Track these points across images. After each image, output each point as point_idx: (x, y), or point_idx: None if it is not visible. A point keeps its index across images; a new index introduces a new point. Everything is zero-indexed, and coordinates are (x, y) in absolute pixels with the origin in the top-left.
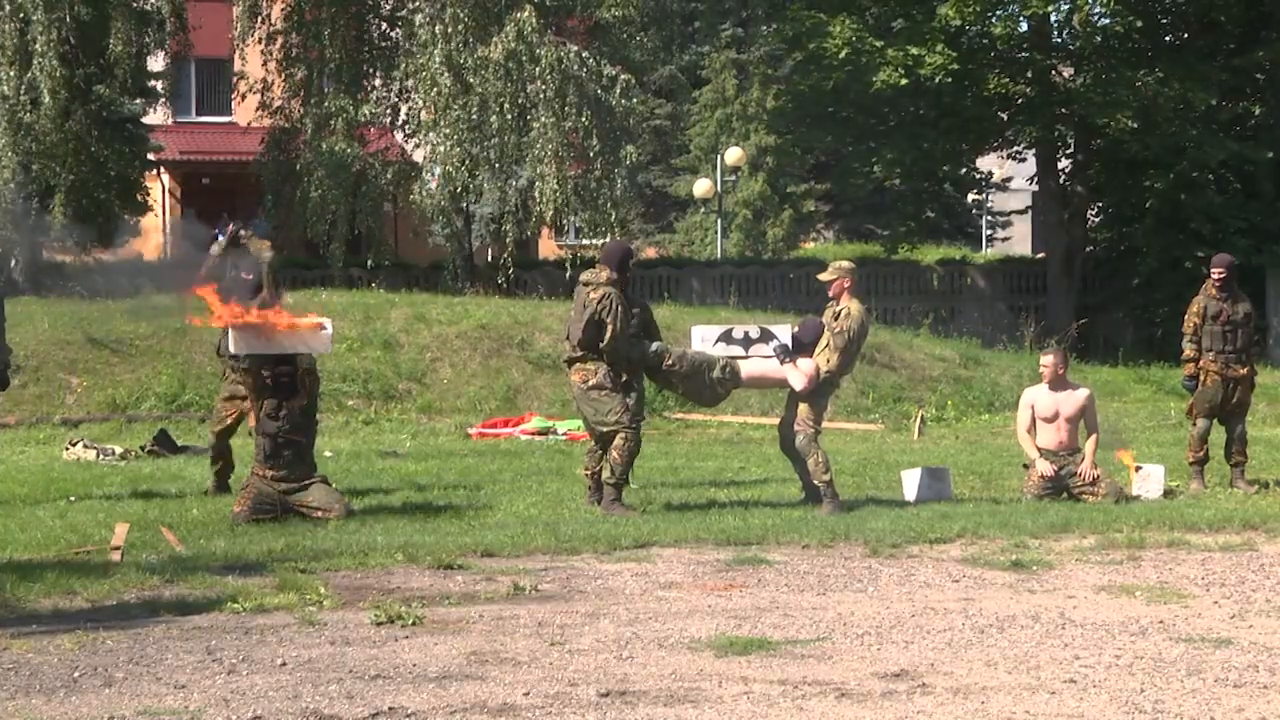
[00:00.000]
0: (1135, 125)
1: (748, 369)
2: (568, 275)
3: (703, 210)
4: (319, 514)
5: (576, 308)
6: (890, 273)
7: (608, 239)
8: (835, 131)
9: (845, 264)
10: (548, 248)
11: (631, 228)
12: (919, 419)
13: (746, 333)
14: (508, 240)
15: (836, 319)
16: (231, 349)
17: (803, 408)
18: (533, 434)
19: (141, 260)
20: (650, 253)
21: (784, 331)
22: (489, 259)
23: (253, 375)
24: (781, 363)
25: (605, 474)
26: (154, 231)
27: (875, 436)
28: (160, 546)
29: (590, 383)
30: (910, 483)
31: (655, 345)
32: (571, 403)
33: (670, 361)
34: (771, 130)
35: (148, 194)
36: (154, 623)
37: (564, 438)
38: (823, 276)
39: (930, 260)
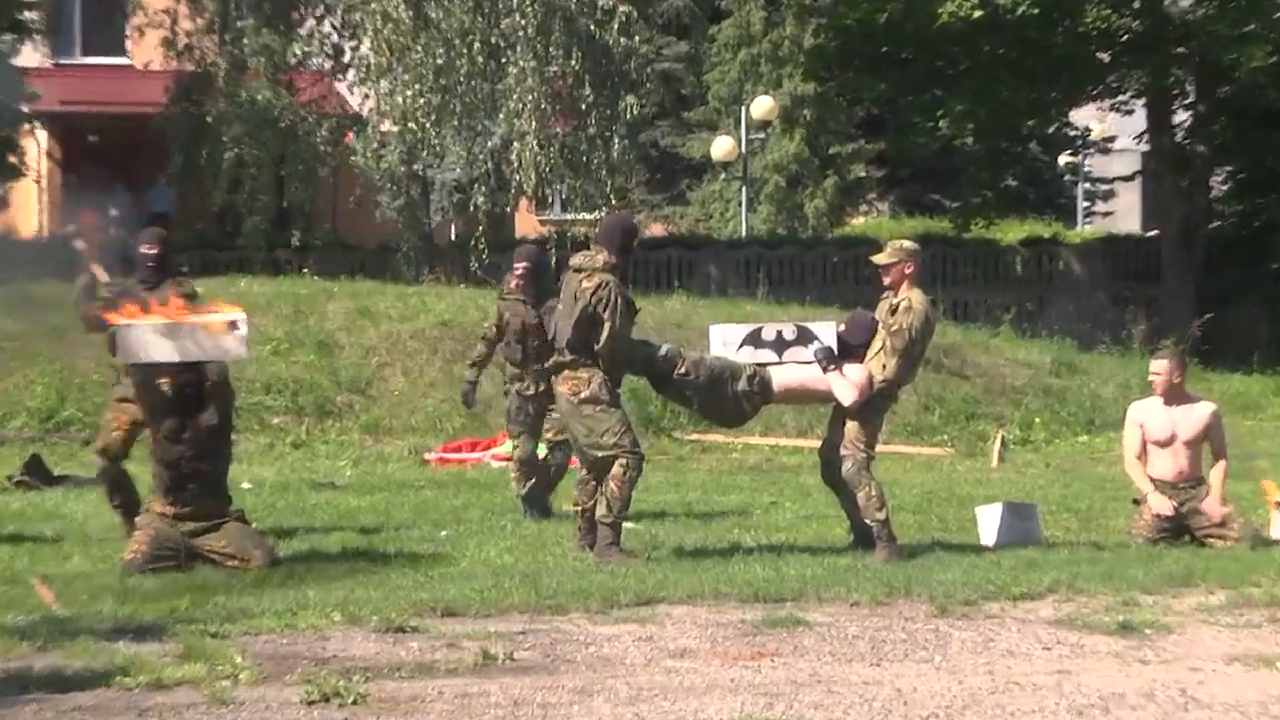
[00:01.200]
0: (1272, 65)
1: (781, 378)
2: (553, 259)
3: (723, 177)
4: (234, 562)
5: (565, 300)
6: (961, 256)
7: (604, 213)
8: (890, 77)
9: (906, 244)
10: (527, 224)
11: (633, 199)
12: (999, 441)
13: (779, 333)
14: (478, 214)
15: (894, 314)
16: (116, 355)
17: (851, 427)
18: (507, 460)
19: (12, 240)
20: (656, 230)
21: (827, 331)
22: (452, 238)
23: (147, 388)
24: (824, 370)
25: (600, 511)
26: (28, 202)
27: (943, 463)
28: (31, 604)
29: (582, 395)
30: (988, 522)
31: (665, 348)
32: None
33: (684, 369)
34: (810, 76)
35: (21, 154)
36: (21, 702)
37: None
38: (877, 259)
39: (1012, 240)
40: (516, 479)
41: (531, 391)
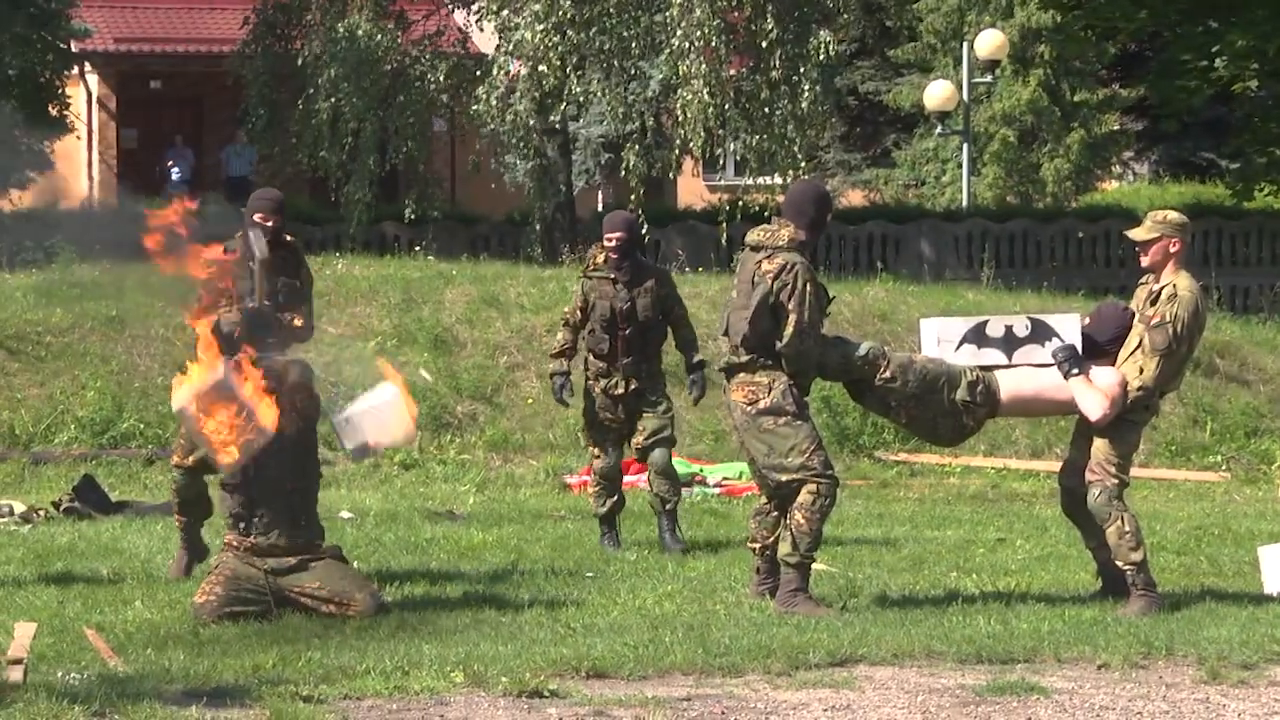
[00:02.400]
0: None
1: (1011, 386)
2: (724, 235)
3: (939, 131)
4: (330, 608)
5: (740, 286)
6: (1242, 230)
7: (790, 178)
8: (1152, 3)
9: (1171, 216)
10: (692, 190)
11: (826, 159)
12: None
13: (1009, 328)
14: (631, 179)
15: (1155, 304)
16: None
17: (1100, 446)
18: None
19: (62, 209)
20: (855, 198)
21: (1069, 325)
22: (599, 208)
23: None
24: (1066, 375)
25: (784, 549)
26: (75, 163)
27: (1217, 491)
28: (85, 659)
29: (761, 404)
30: (1273, 564)
31: (865, 347)
32: (730, 435)
33: (889, 373)
34: (1050, 2)
35: (67, 104)
36: None
37: (717, 491)
38: (1133, 235)
39: None
40: (595, 496)
41: (621, 391)
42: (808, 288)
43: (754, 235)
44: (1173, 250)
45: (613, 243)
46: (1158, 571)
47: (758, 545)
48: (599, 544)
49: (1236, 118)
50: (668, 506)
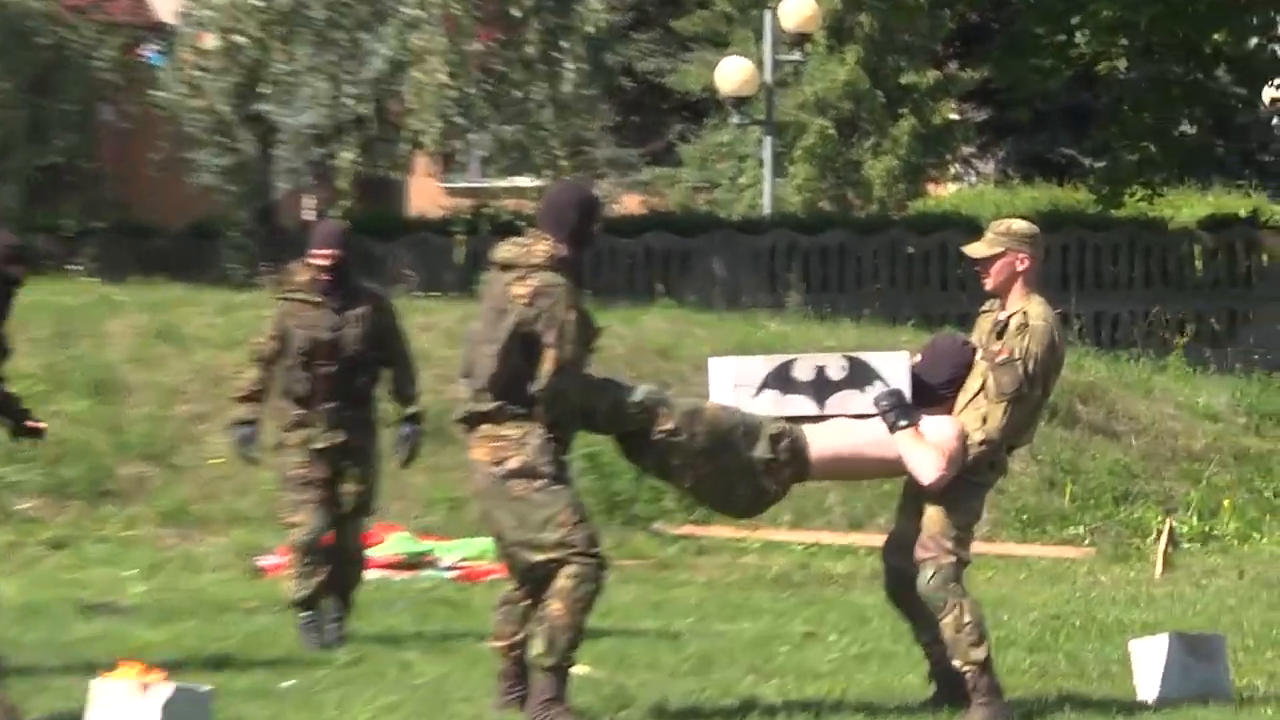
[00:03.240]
0: None
1: (824, 442)
2: (465, 250)
3: (736, 121)
4: None
5: (487, 314)
6: (1109, 244)
7: (549, 180)
8: None
9: (1017, 226)
10: (427, 195)
11: (595, 156)
12: (1166, 537)
13: (821, 369)
14: (347, 182)
15: (1001, 337)
16: None
17: (934, 515)
18: (391, 566)
19: None
20: (629, 204)
21: (896, 365)
22: (308, 217)
23: None
24: (893, 428)
25: (537, 649)
26: None
27: (1078, 569)
28: None
29: (511, 464)
30: (1149, 664)
31: (642, 391)
32: (470, 503)
33: (672, 424)
34: None
35: None
36: None
37: (452, 575)
38: (971, 251)
39: (1188, 220)
40: (294, 577)
41: (323, 445)
42: (570, 316)
43: (504, 251)
44: (1020, 268)
45: (325, 261)
46: (1005, 673)
47: (503, 644)
48: (300, 641)
49: (1102, 105)
50: (344, 593)
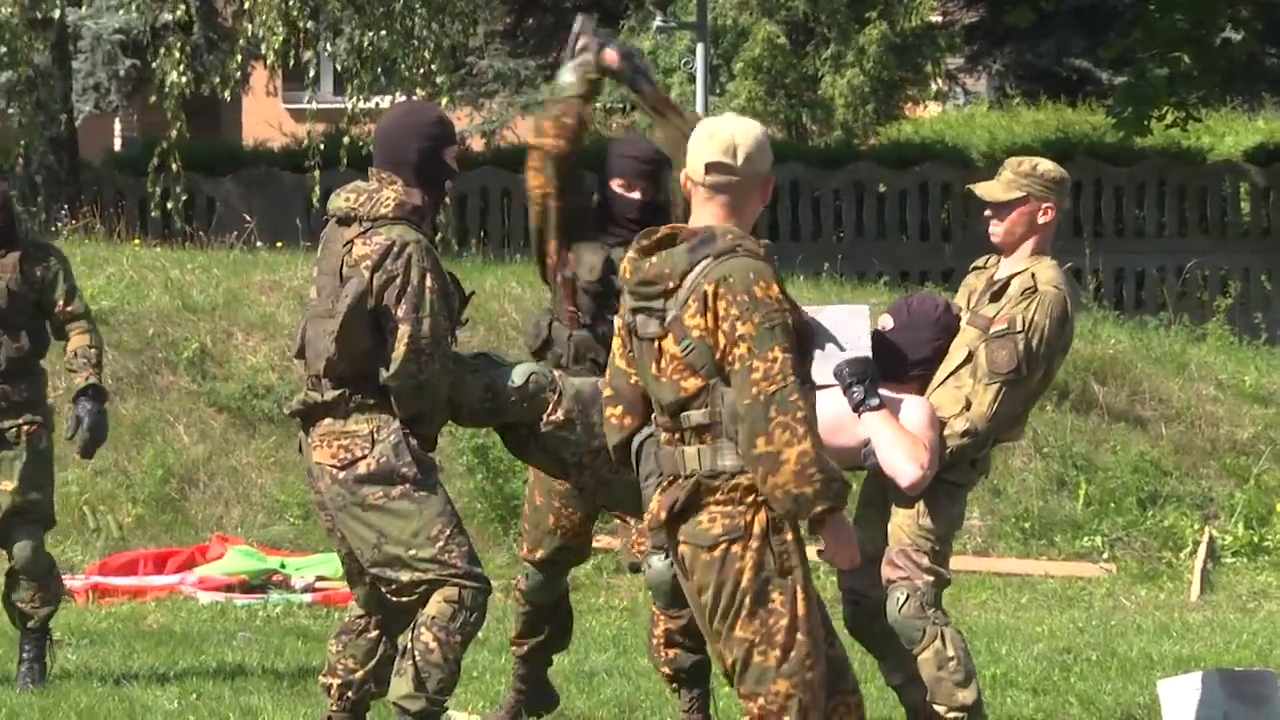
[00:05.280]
0: None
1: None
2: (318, 189)
3: (659, 24)
4: None
5: (323, 280)
6: (1132, 182)
7: (398, 98)
8: None
9: (1045, 167)
10: (263, 115)
11: (480, 68)
12: (1204, 548)
13: None
14: (166, 101)
15: (997, 300)
16: None
17: (903, 525)
18: (230, 588)
19: None
20: (523, 132)
21: (856, 322)
22: (116, 147)
23: None
24: (859, 407)
25: (402, 689)
26: None
27: (1093, 592)
28: None
29: (362, 467)
30: (1181, 707)
31: (525, 370)
32: (314, 512)
33: (562, 412)
34: None
35: None
36: None
37: (308, 599)
38: (986, 192)
39: (1232, 151)
40: None
41: None
42: (426, 281)
43: (341, 200)
44: (1042, 220)
45: None
46: (1001, 717)
47: (335, 682)
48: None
49: (1123, 3)
50: (31, 623)
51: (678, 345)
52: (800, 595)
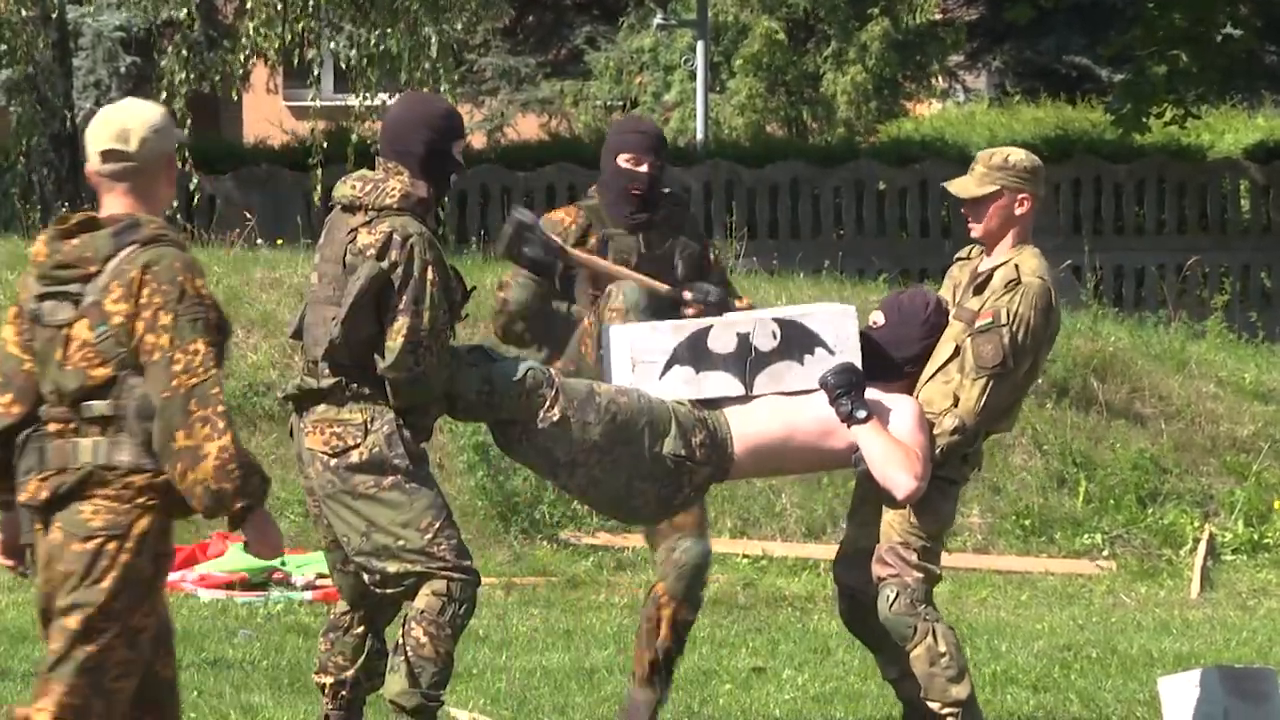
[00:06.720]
0: None
1: (752, 429)
2: (319, 187)
3: (660, 22)
4: None
5: (325, 267)
6: (1132, 179)
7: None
8: None
9: (1016, 157)
10: (264, 112)
11: (482, 66)
12: (1203, 546)
13: (745, 338)
14: (169, 97)
15: (981, 293)
16: None
17: (894, 522)
18: (231, 586)
19: None
20: (525, 128)
21: (842, 326)
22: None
23: None
24: (848, 419)
25: (396, 686)
26: None
27: (1093, 588)
28: None
29: (355, 456)
30: (1181, 704)
31: (524, 367)
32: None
33: (558, 410)
34: None
35: None
36: None
37: (308, 596)
38: (957, 189)
39: (1232, 149)
40: None
41: None
42: (428, 274)
43: (346, 189)
44: (1019, 211)
45: None
46: (1004, 717)
47: (329, 681)
48: None
49: (1121, 2)
50: None
51: (92, 331)
52: (142, 610)
